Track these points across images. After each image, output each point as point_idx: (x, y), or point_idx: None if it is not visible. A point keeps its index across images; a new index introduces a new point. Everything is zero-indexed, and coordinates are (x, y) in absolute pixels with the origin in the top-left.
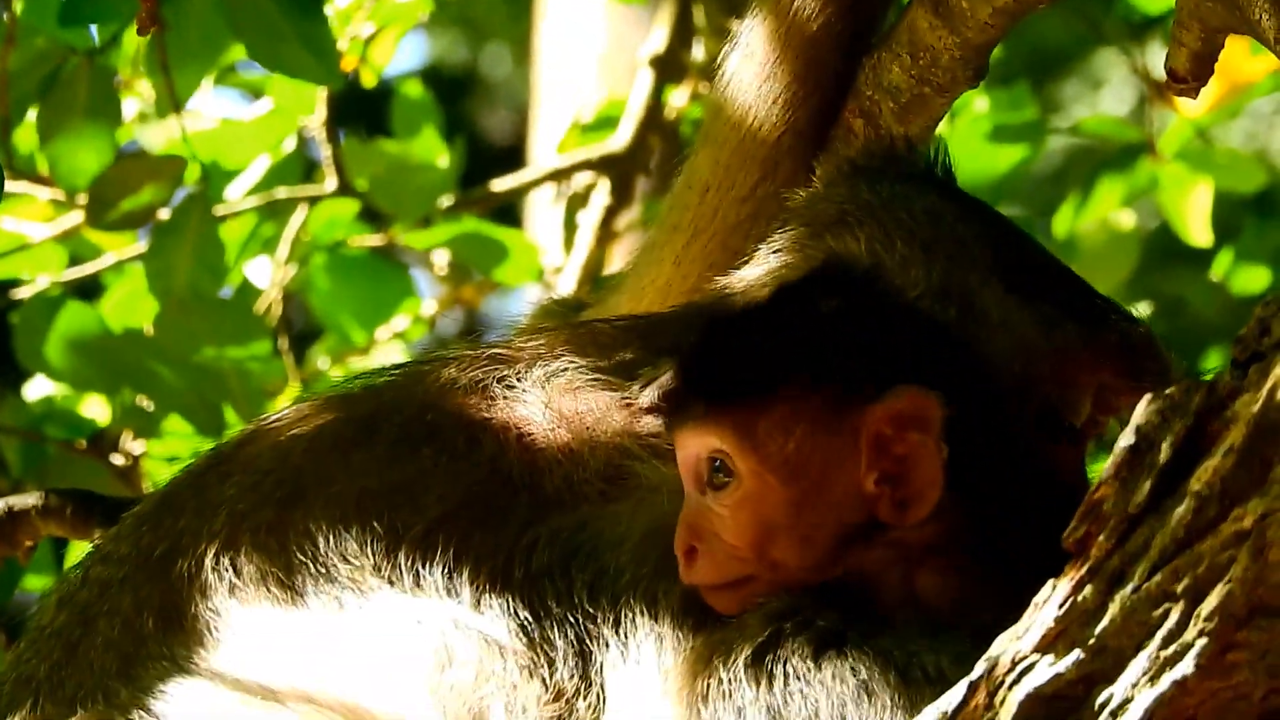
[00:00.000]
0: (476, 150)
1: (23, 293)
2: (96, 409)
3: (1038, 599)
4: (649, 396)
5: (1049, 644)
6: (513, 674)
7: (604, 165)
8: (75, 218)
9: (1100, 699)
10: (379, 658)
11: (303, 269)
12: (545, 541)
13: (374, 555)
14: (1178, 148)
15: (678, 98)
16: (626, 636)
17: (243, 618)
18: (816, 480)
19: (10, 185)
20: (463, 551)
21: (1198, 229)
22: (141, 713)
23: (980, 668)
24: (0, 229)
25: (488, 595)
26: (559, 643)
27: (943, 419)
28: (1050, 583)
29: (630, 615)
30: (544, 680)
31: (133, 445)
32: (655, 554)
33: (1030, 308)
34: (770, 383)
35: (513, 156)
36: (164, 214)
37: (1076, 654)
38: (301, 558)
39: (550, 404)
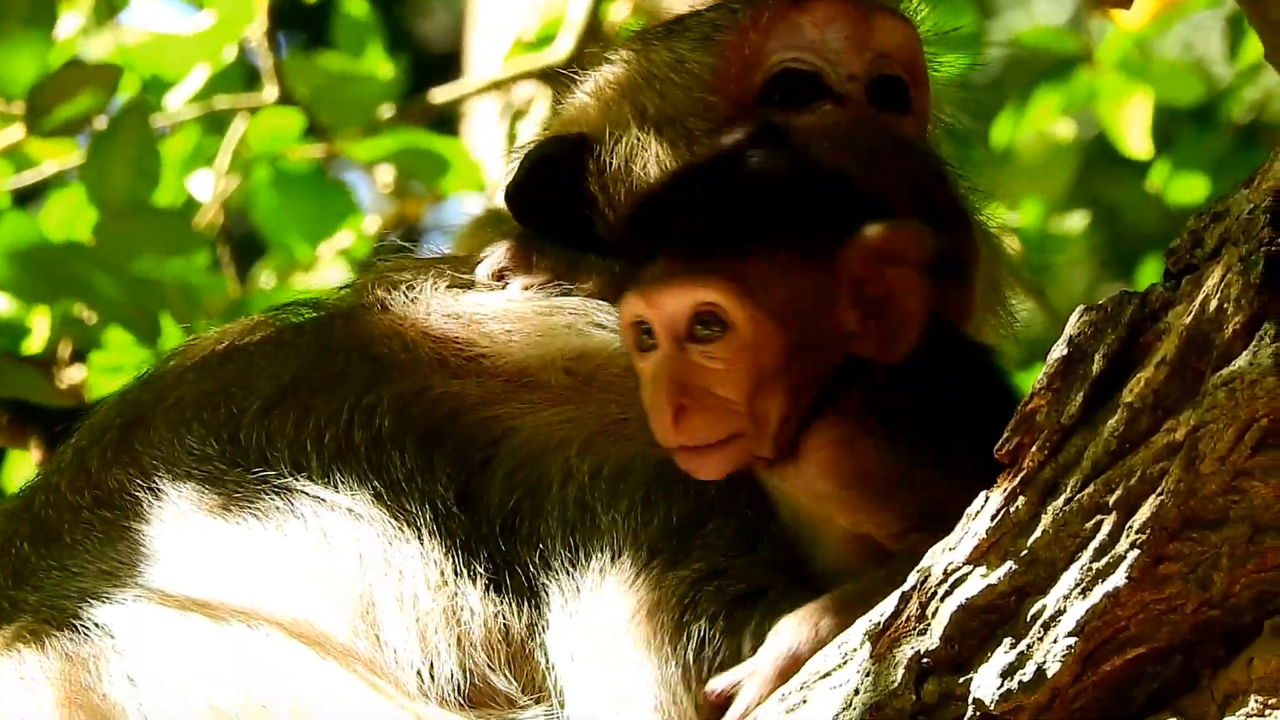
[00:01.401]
0: (414, 59)
1: None
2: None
3: (970, 510)
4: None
5: (981, 555)
6: (396, 558)
7: (544, 77)
8: (15, 132)
9: (1032, 610)
10: (266, 555)
11: (245, 182)
12: (388, 406)
13: (219, 444)
14: (1116, 58)
15: (618, 9)
16: (557, 552)
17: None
18: (808, 323)
19: None
20: (302, 421)
21: (1136, 139)
22: (85, 615)
23: (912, 579)
24: None
25: (336, 463)
26: (422, 515)
27: (925, 251)
28: (983, 494)
29: (564, 533)
30: (433, 564)
31: (72, 371)
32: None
33: None
34: (754, 232)
35: (450, 64)
36: (102, 124)
37: (1009, 565)
38: (154, 461)
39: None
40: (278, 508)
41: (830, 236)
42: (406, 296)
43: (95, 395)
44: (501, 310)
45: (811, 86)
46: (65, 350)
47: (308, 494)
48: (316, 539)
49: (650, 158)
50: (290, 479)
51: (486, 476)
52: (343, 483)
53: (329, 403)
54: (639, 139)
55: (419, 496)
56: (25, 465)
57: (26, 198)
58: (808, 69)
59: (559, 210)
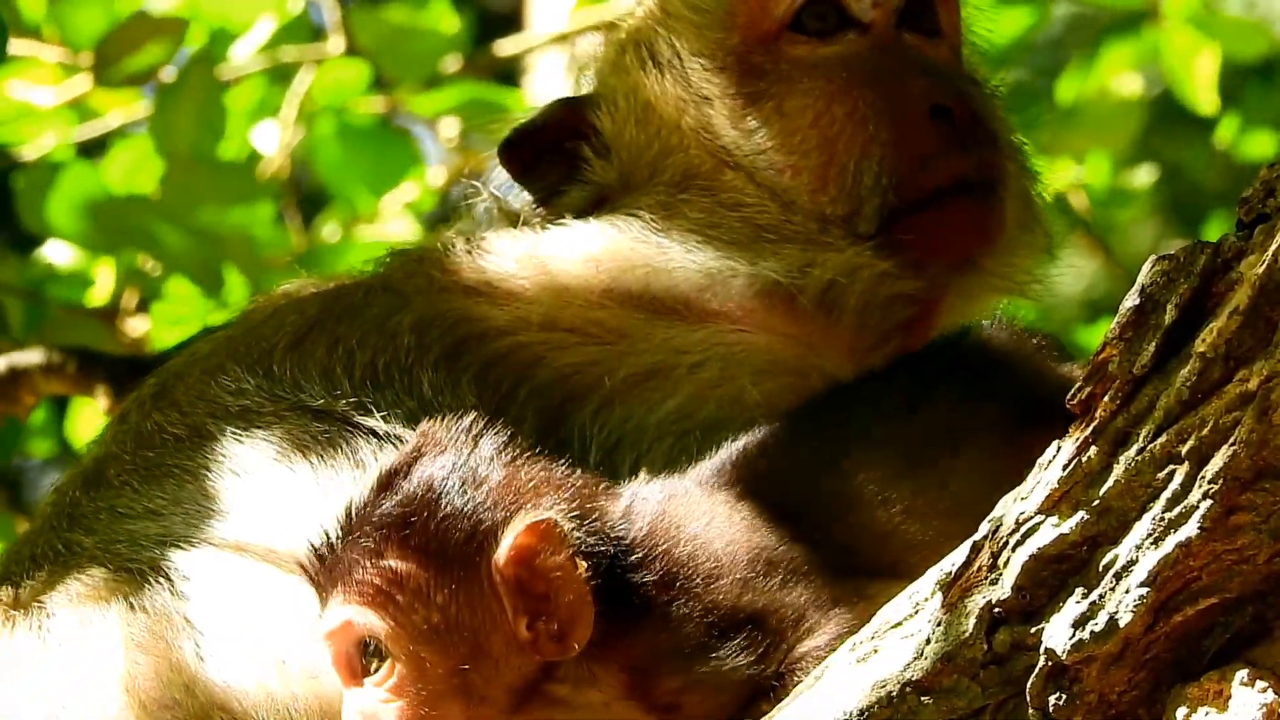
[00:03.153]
0: (477, 16)
1: (28, 155)
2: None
3: (1042, 460)
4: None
5: (1053, 505)
6: None
7: (609, 29)
8: (81, 84)
9: (1104, 560)
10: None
11: (309, 134)
12: (408, 327)
13: (254, 379)
14: (1183, 13)
15: None
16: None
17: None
18: (472, 642)
19: (15, 46)
20: (332, 347)
21: (1203, 95)
22: (164, 564)
23: (984, 528)
24: (6, 95)
25: (367, 384)
26: None
27: (570, 535)
28: (1055, 443)
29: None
30: None
31: (136, 321)
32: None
33: None
34: (393, 557)
35: (511, 23)
36: (168, 76)
37: (1081, 515)
38: (191, 402)
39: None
40: (317, 436)
41: (471, 550)
42: (439, 246)
43: (158, 346)
44: (536, 248)
45: (836, 15)
46: (129, 301)
47: (344, 419)
48: (359, 470)
49: (654, 108)
50: (325, 402)
51: (516, 401)
52: (374, 404)
53: (353, 330)
54: (644, 89)
55: (449, 416)
56: (92, 414)
57: (90, 149)
58: None
59: (549, 173)
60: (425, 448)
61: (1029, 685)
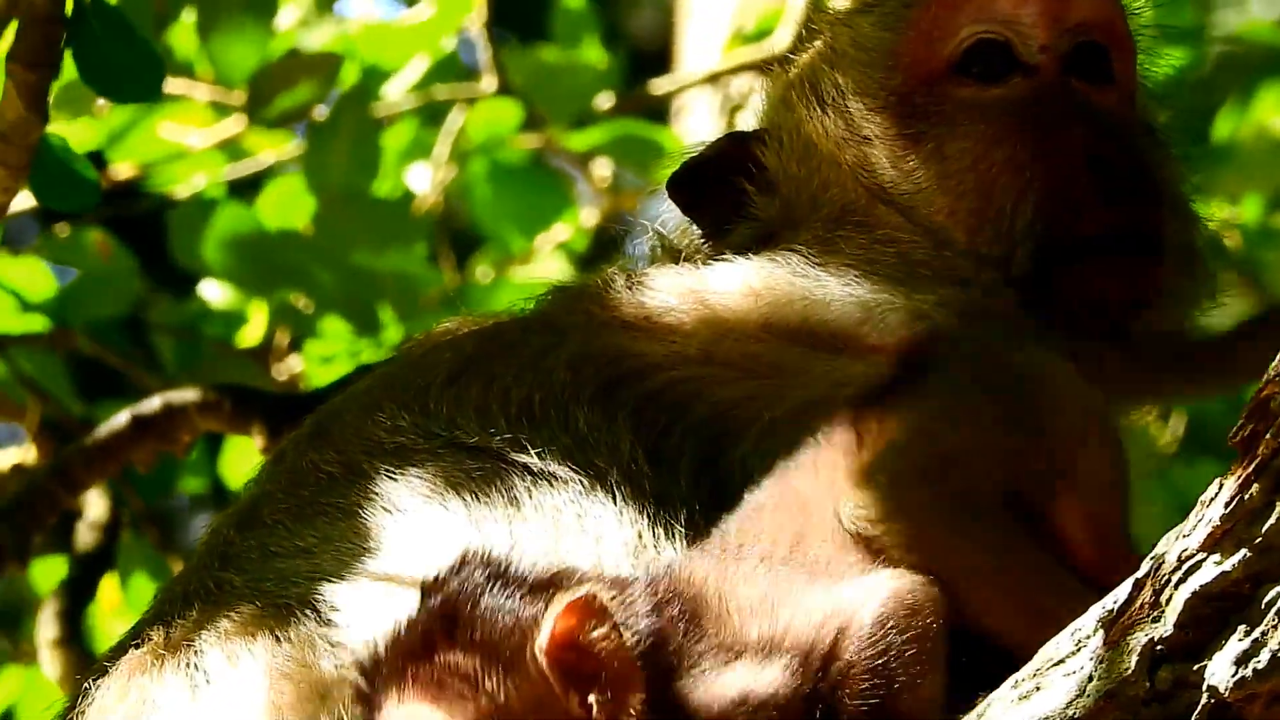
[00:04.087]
0: (626, 56)
1: (181, 193)
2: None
3: (1204, 497)
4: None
5: (1215, 542)
6: (591, 523)
7: (761, 68)
8: (234, 124)
9: (1267, 597)
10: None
11: (462, 172)
12: (565, 363)
13: (409, 416)
14: None
15: None
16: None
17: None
18: None
19: (169, 84)
20: (488, 384)
21: None
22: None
23: (1146, 566)
24: (160, 136)
25: (522, 421)
26: (610, 472)
27: (613, 608)
28: (1216, 481)
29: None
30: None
31: (289, 361)
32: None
33: None
34: (444, 653)
35: (660, 62)
36: (321, 114)
37: (1243, 553)
38: (346, 439)
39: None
40: (471, 474)
41: (518, 638)
42: (598, 282)
43: (311, 385)
44: (696, 283)
45: (1003, 59)
46: (282, 340)
47: (499, 456)
48: (513, 508)
49: (816, 145)
50: (480, 439)
51: (672, 437)
52: (529, 441)
53: (509, 366)
54: (807, 126)
55: (606, 452)
56: (246, 452)
57: (240, 188)
58: (998, 39)
59: (716, 208)
60: (468, 557)
61: None
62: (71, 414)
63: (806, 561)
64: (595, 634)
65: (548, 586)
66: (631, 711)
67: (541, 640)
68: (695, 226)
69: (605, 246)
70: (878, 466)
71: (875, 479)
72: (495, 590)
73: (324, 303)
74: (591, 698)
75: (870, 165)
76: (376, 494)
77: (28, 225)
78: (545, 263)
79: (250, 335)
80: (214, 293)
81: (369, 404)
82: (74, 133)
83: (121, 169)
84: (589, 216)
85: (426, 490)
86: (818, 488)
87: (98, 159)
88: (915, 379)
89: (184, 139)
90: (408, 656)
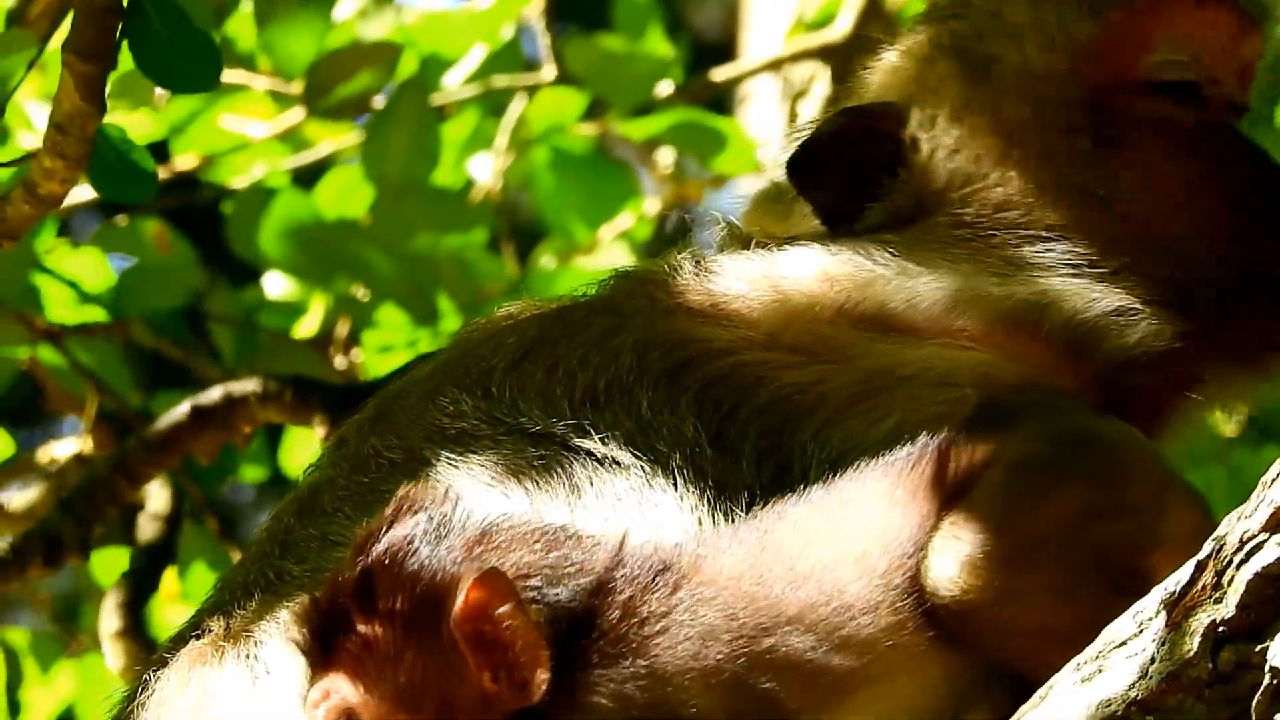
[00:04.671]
0: (689, 43)
1: (239, 183)
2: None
3: (1265, 478)
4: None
5: (1277, 524)
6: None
7: (824, 55)
8: (293, 115)
9: None
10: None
11: (521, 160)
12: (630, 347)
13: (472, 400)
14: None
15: None
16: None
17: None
18: (441, 700)
19: (227, 75)
20: (552, 368)
21: None
22: None
23: (1207, 547)
24: (221, 127)
25: (586, 405)
26: (673, 457)
27: (520, 585)
28: (1278, 462)
29: None
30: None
31: (349, 351)
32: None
33: None
34: (363, 623)
35: (722, 53)
36: (380, 103)
37: None
38: (408, 425)
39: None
40: (533, 461)
41: (435, 608)
42: (664, 267)
43: (369, 375)
44: (767, 268)
45: (1185, 84)
46: (340, 329)
47: (562, 442)
48: (574, 495)
49: (981, 129)
50: (543, 425)
51: (736, 421)
52: (593, 426)
53: (573, 350)
54: (973, 104)
55: (669, 436)
56: (307, 442)
57: (301, 179)
58: (1186, 62)
59: (842, 183)
60: (399, 512)
61: (1254, 704)
62: (129, 405)
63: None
64: (502, 610)
65: (468, 557)
66: (534, 693)
67: (455, 611)
68: (814, 209)
69: (668, 235)
70: (977, 541)
71: (975, 558)
72: (419, 556)
73: (382, 292)
74: (501, 674)
75: (1043, 159)
76: (437, 481)
77: (88, 218)
78: (608, 252)
79: (309, 326)
80: (273, 283)
81: (431, 389)
82: (134, 124)
83: (183, 160)
84: (652, 205)
85: (488, 478)
86: (888, 517)
87: (160, 150)
88: (999, 416)
89: (244, 130)
90: (332, 621)
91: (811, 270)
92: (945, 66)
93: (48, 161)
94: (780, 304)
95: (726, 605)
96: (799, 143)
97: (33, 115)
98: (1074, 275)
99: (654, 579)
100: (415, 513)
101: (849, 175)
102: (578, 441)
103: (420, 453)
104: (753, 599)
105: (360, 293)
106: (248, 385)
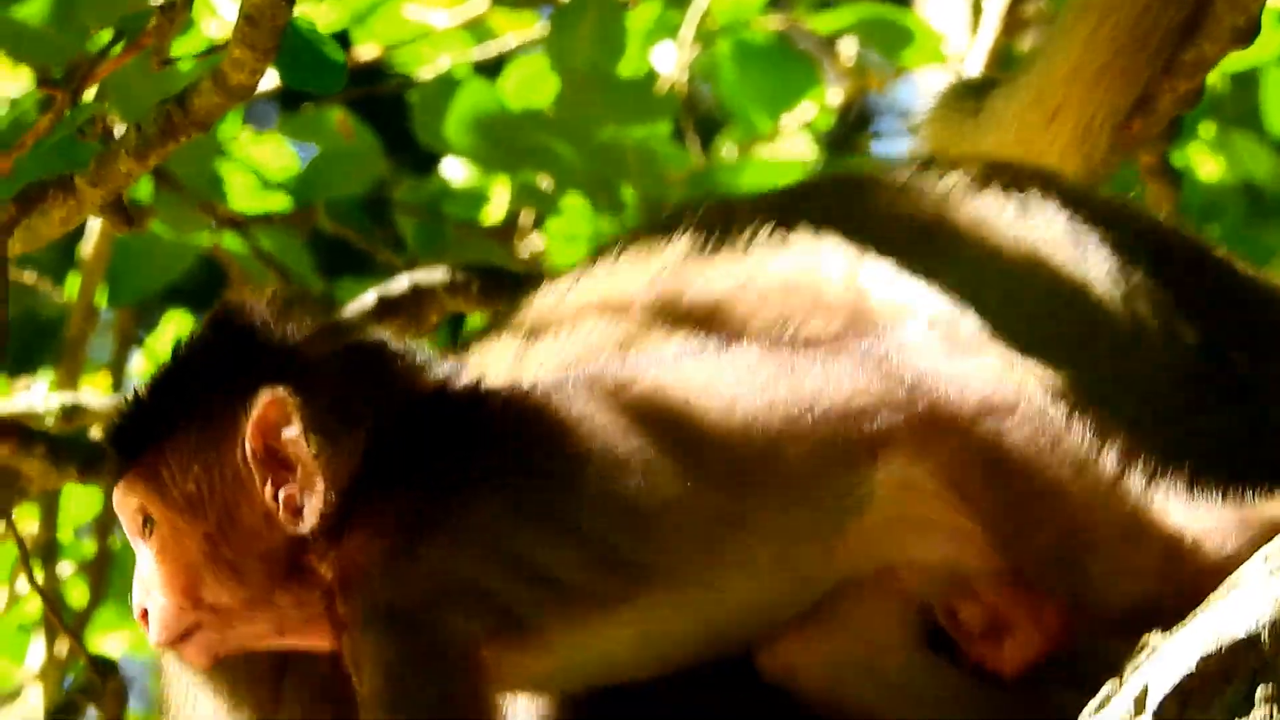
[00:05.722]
0: None
1: (424, 74)
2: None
3: None
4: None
5: None
6: None
7: None
8: (478, 5)
9: None
10: None
11: (706, 53)
12: None
13: None
14: None
15: None
16: None
17: None
18: (224, 510)
19: None
20: None
21: None
22: None
23: None
24: (404, 17)
25: None
26: None
27: (304, 410)
28: None
29: None
30: None
31: (531, 239)
32: None
33: None
34: (154, 428)
35: None
36: None
37: None
38: None
39: None
40: None
41: (232, 420)
42: None
43: (553, 263)
44: None
45: None
46: (525, 219)
47: None
48: None
49: None
50: None
51: None
52: None
53: None
54: None
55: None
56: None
57: (484, 69)
58: None
59: None
60: (222, 318)
61: None
62: (312, 292)
63: None
64: (289, 433)
65: (274, 371)
66: (306, 521)
67: (244, 424)
68: None
69: (850, 126)
70: None
71: None
72: (227, 364)
73: (566, 181)
74: (281, 491)
75: None
76: None
77: (268, 109)
78: (790, 142)
79: (492, 214)
80: (456, 171)
81: None
82: (319, 14)
83: (365, 50)
84: (834, 96)
85: None
86: None
87: (342, 40)
88: None
89: (428, 19)
90: (140, 420)
91: None
92: None
93: (237, 52)
94: None
95: None
96: None
97: (217, 3)
98: None
99: None
100: (236, 322)
101: None
102: None
103: None
104: None
105: (545, 182)
106: (435, 275)
